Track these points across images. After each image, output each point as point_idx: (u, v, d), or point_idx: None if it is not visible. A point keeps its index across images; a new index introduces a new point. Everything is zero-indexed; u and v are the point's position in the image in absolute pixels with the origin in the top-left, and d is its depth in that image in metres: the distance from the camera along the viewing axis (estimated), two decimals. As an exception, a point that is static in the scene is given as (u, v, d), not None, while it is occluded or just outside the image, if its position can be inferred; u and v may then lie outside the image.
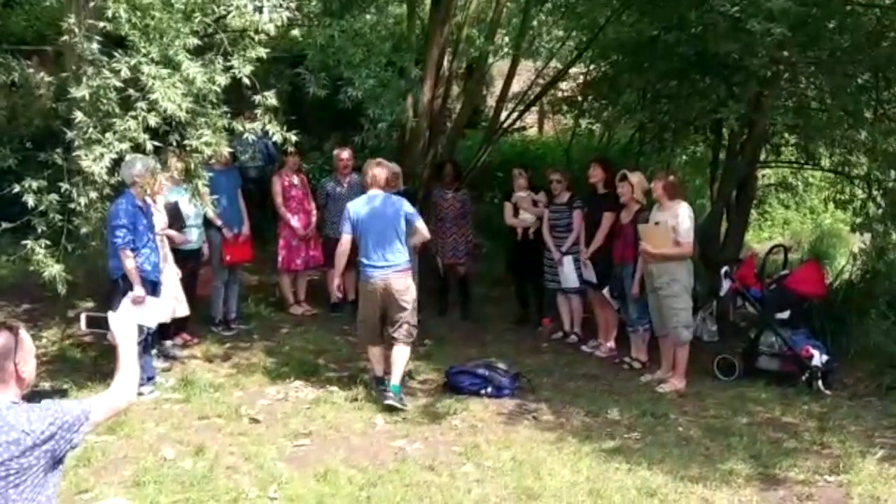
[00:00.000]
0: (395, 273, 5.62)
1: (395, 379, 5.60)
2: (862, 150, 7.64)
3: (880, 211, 7.44)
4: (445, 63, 9.32)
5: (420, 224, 5.83)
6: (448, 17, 8.62)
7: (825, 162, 8.61)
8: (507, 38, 10.43)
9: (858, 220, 7.63)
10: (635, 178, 6.74)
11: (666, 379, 6.29)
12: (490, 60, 10.70)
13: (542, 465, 4.67)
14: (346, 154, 7.83)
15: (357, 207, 5.72)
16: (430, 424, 5.33)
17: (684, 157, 10.17)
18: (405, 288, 5.68)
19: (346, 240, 5.72)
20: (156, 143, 4.97)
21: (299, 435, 5.07)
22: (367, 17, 7.17)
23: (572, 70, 10.33)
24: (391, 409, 5.43)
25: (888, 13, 6.75)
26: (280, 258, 7.79)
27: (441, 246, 8.04)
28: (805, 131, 7.62)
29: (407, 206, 5.79)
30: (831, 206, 9.14)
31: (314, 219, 7.85)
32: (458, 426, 5.33)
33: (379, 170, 5.88)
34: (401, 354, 5.65)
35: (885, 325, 6.46)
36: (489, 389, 5.90)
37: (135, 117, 4.80)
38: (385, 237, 5.62)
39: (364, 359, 6.13)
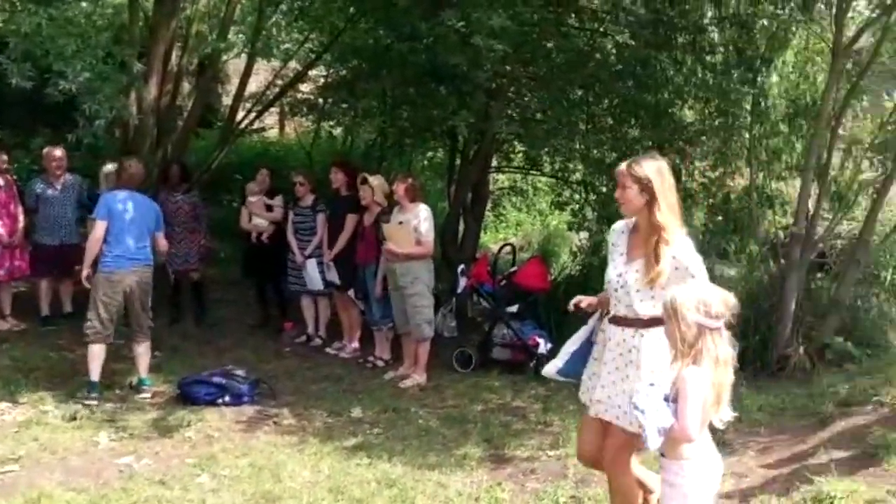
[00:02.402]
0: (145, 267, 5.97)
1: (145, 371, 6.06)
2: (578, 158, 8.58)
3: (594, 213, 8.39)
4: (174, 58, 9.02)
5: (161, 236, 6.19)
6: (175, 10, 8.34)
7: (547, 168, 9.54)
8: (241, 36, 10.30)
9: (576, 220, 8.55)
10: (375, 181, 7.07)
11: (408, 375, 6.65)
12: (224, 58, 10.50)
13: (283, 468, 4.72)
14: (58, 153, 7.36)
15: (119, 197, 5.88)
16: (161, 438, 5.17)
17: (424, 161, 10.74)
18: (150, 283, 6.05)
19: (101, 227, 5.77)
20: None
21: (6, 461, 4.66)
22: (83, 4, 6.76)
23: (312, 72, 10.47)
24: (116, 425, 5.19)
25: (595, 36, 7.68)
26: (-20, 269, 7.07)
27: (171, 252, 7.76)
28: (528, 140, 8.41)
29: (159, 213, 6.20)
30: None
31: (21, 225, 7.24)
32: (193, 438, 5.21)
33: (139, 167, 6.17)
34: (146, 349, 6.07)
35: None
36: (227, 398, 5.86)
37: None
38: (143, 232, 5.94)
39: (83, 374, 5.79)
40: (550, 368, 3.77)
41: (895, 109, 7.39)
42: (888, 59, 7.27)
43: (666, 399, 2.74)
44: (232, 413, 5.69)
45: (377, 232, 6.89)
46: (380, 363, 7.08)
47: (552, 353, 6.80)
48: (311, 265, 7.41)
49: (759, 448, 5.05)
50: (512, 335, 6.98)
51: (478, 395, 6.26)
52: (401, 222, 6.66)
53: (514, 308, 7.13)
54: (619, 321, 3.39)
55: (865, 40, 6.98)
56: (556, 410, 5.88)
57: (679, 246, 3.27)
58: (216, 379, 5.94)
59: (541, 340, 6.89)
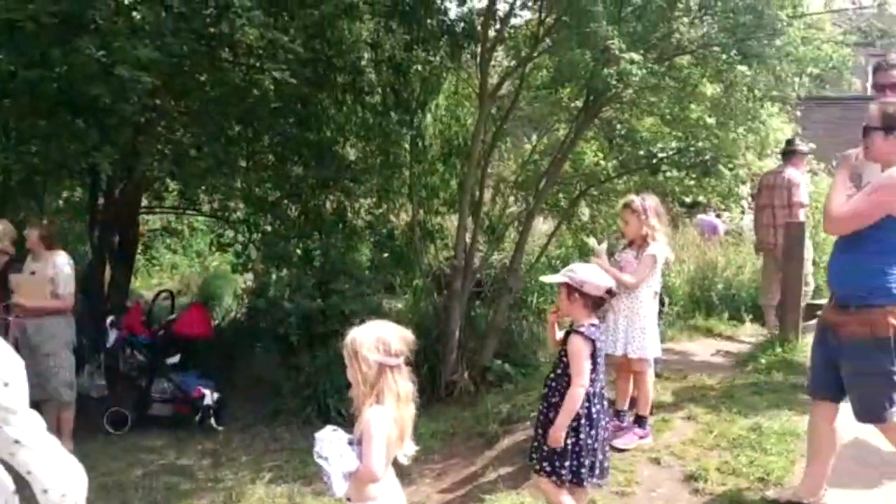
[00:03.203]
0: None
1: None
2: (239, 196, 8.51)
3: (259, 253, 8.35)
4: None
5: None
6: None
7: (206, 207, 9.32)
8: None
9: (240, 261, 8.43)
10: (0, 225, 6.40)
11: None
12: None
13: None
14: None
15: None
16: None
17: (60, 201, 9.87)
18: None
19: None
20: None
21: None
22: None
23: None
24: None
25: (252, 72, 7.73)
26: None
27: None
28: (184, 178, 8.15)
29: None
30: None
31: None
32: None
33: None
34: None
35: (269, 358, 7.31)
36: None
37: None
38: None
39: None
40: None
41: (533, 151, 8.46)
42: (526, 105, 8.31)
43: (350, 442, 2.78)
44: None
45: (3, 283, 6.20)
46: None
47: (219, 404, 6.70)
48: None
49: (435, 474, 5.41)
50: (173, 388, 6.71)
51: (137, 458, 5.94)
52: (33, 272, 6.05)
53: (174, 359, 6.87)
54: None
55: (507, 87, 7.91)
56: (228, 464, 5.81)
57: None
58: None
59: (206, 391, 6.72)
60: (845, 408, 3.73)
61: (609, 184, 8.21)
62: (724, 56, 6.50)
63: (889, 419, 3.57)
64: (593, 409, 3.70)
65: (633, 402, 5.11)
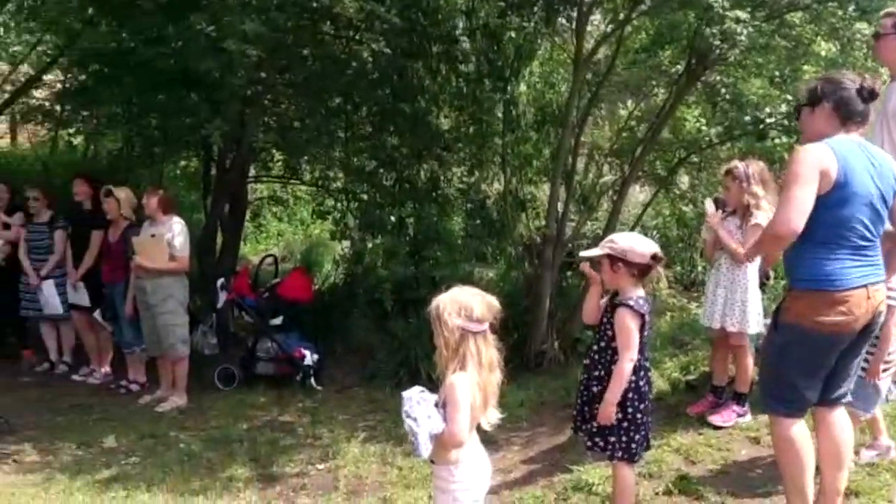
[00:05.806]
0: None
1: None
2: (338, 166, 8.83)
3: (356, 221, 8.66)
4: None
5: None
6: None
7: (308, 176, 9.71)
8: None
9: (338, 229, 8.76)
10: (122, 193, 6.90)
11: (166, 397, 6.55)
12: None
13: (26, 510, 4.50)
14: None
15: None
16: None
17: (177, 171, 10.47)
18: None
19: None
20: None
21: None
22: None
23: (48, 77, 9.88)
24: None
25: (351, 44, 7.96)
26: None
27: None
28: (287, 148, 8.51)
29: None
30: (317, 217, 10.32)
31: None
32: (-87, 489, 4.80)
33: None
34: None
35: (365, 323, 7.61)
36: (-46, 442, 5.45)
37: None
38: None
39: None
40: None
41: (629, 117, 8.36)
42: (622, 70, 8.20)
43: (436, 404, 2.84)
44: (-39, 458, 5.31)
45: (125, 248, 6.71)
46: (134, 387, 6.90)
47: (319, 365, 7.06)
48: (48, 286, 7.10)
49: (522, 442, 5.50)
50: (276, 348, 7.09)
51: (242, 413, 6.30)
52: (153, 235, 6.53)
53: (277, 321, 7.25)
54: None
55: (603, 52, 7.83)
56: (325, 423, 6.08)
57: None
58: (-59, 422, 5.51)
59: (306, 352, 7.06)
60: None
61: (711, 150, 8.02)
62: (840, 12, 6.16)
63: None
64: (641, 383, 3.65)
65: (732, 379, 5.02)
